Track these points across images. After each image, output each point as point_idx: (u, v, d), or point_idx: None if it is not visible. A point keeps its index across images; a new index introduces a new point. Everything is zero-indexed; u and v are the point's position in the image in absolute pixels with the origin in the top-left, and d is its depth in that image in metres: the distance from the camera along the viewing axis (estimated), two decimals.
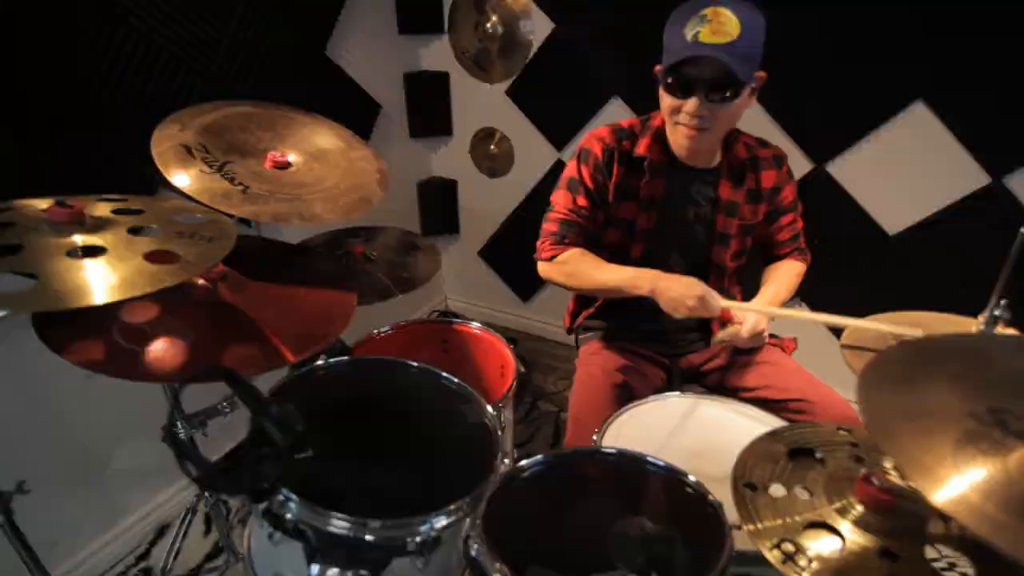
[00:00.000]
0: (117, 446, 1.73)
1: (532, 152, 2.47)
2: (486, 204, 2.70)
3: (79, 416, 1.63)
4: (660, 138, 1.37)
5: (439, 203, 2.74)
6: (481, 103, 2.49)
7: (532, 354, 2.63)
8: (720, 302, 1.26)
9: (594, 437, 1.18)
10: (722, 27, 1.14)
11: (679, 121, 1.26)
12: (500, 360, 1.48)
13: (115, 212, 1.03)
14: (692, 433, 1.22)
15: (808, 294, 2.17)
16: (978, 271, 1.84)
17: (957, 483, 0.51)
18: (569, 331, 1.68)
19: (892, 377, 0.66)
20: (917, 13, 1.68)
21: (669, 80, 1.22)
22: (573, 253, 1.40)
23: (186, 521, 1.51)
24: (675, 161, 1.38)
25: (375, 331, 1.47)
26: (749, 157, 1.39)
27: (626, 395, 1.38)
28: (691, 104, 1.21)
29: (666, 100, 1.27)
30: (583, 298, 1.63)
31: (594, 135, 1.40)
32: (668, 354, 1.55)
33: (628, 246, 1.44)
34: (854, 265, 2.05)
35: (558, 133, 2.37)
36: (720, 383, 1.50)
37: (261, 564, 0.87)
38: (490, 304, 2.94)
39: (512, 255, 2.75)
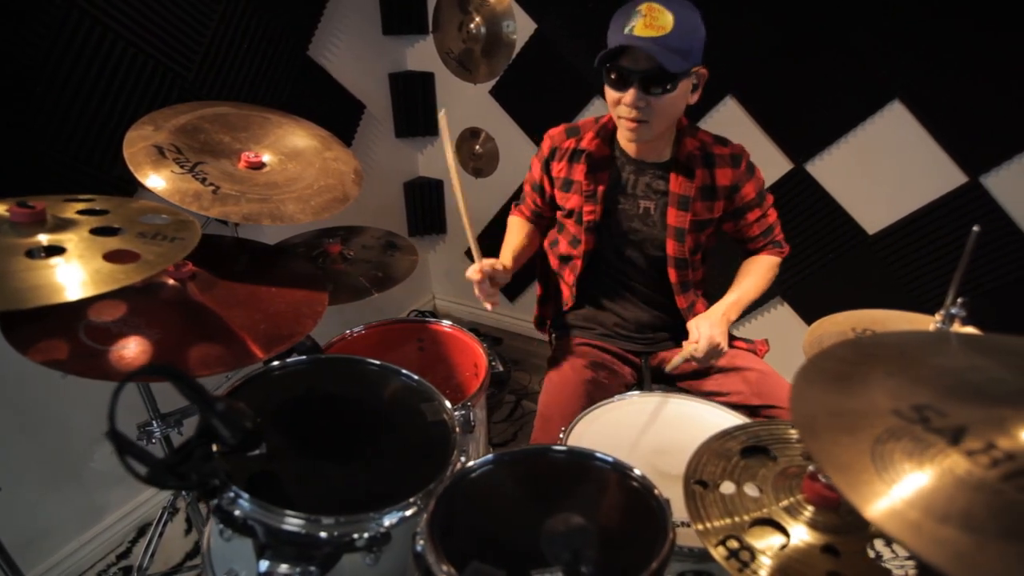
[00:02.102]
0: (97, 445, 1.74)
1: (516, 152, 2.47)
2: (472, 204, 2.69)
3: (59, 415, 1.64)
4: (606, 133, 1.42)
5: (426, 203, 2.75)
6: (466, 103, 2.50)
7: (518, 353, 2.63)
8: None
9: (560, 435, 1.19)
10: (655, 21, 1.19)
11: (620, 114, 1.30)
12: (473, 359, 1.49)
13: (80, 213, 1.04)
14: (658, 431, 1.23)
15: (789, 292, 2.18)
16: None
17: (870, 478, 0.51)
18: (538, 327, 1.73)
19: (828, 375, 0.66)
20: (893, 12, 1.68)
21: (608, 73, 1.27)
22: (513, 219, 1.68)
23: (163, 520, 1.52)
24: (624, 155, 1.41)
25: (348, 331, 1.47)
26: (702, 154, 1.38)
27: (596, 393, 1.39)
28: (628, 96, 1.25)
29: (608, 94, 1.30)
30: (550, 300, 1.69)
31: (549, 133, 1.50)
32: (639, 352, 1.56)
33: (581, 237, 1.48)
34: (835, 264, 2.05)
35: (541, 133, 2.36)
36: (692, 387, 1.51)
37: (217, 560, 0.88)
38: (477, 304, 2.92)
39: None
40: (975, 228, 0.91)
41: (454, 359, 1.53)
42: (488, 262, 1.37)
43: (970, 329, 1.02)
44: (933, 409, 0.57)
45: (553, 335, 1.70)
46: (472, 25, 2.33)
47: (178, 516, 1.87)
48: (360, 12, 2.28)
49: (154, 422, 1.39)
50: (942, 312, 0.98)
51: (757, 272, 1.49)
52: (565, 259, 1.57)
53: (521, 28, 2.24)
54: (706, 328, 1.30)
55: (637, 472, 0.84)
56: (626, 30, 1.20)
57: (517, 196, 2.52)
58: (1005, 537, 0.44)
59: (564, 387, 1.43)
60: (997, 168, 1.71)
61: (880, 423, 0.57)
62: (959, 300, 0.96)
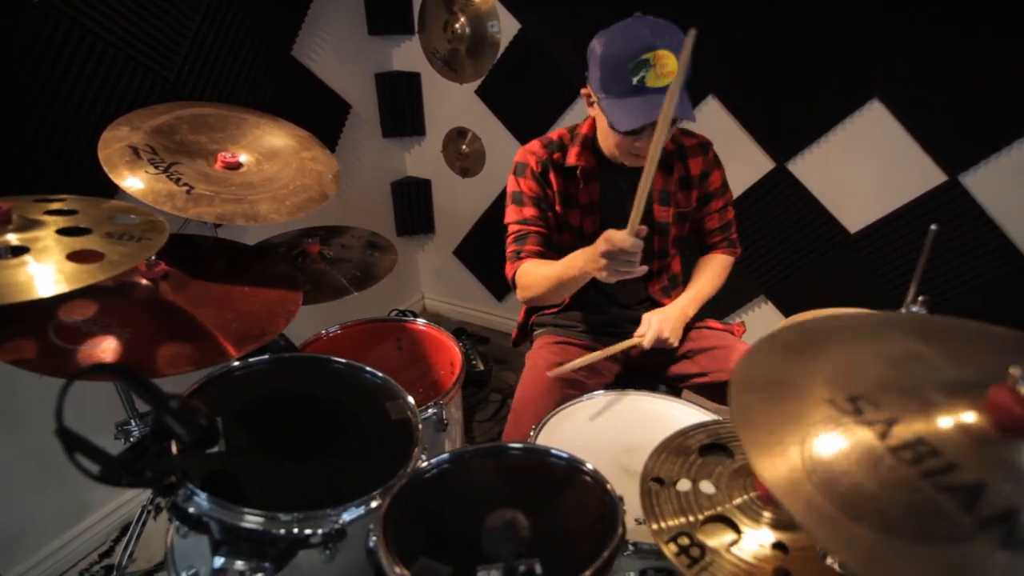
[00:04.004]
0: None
1: (503, 151, 2.48)
2: (460, 203, 2.71)
3: (42, 414, 1.63)
4: (589, 145, 1.41)
5: (413, 203, 2.76)
6: (452, 103, 2.51)
7: (505, 353, 2.64)
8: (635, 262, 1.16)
9: (531, 433, 1.20)
10: (664, 68, 1.18)
11: (630, 152, 1.30)
12: (450, 358, 1.49)
13: (49, 213, 1.05)
14: (628, 429, 1.23)
15: (773, 291, 2.18)
16: (940, 268, 1.86)
17: (797, 474, 0.51)
18: (515, 344, 1.72)
19: (769, 364, 0.66)
20: (873, 13, 1.68)
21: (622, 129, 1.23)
22: (526, 266, 1.42)
23: (143, 519, 1.53)
24: (607, 163, 1.41)
25: (323, 331, 1.48)
26: (676, 147, 1.42)
27: (572, 391, 1.39)
28: (641, 141, 1.26)
29: (613, 137, 1.29)
30: (530, 309, 1.68)
31: (527, 150, 1.44)
32: None
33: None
34: (818, 263, 2.05)
35: (527, 132, 2.37)
36: (672, 371, 1.52)
37: (179, 558, 0.89)
38: (466, 303, 2.95)
39: (486, 254, 2.76)
40: (932, 227, 0.92)
41: (431, 358, 1.54)
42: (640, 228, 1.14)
43: None
44: (867, 400, 0.58)
45: (533, 331, 1.70)
46: (457, 25, 2.34)
47: (161, 515, 1.88)
48: (345, 12, 2.28)
49: (132, 420, 1.39)
50: (903, 309, 0.98)
51: (713, 270, 1.55)
52: None
53: (505, 28, 2.25)
54: (657, 321, 1.38)
55: (589, 467, 0.85)
56: (635, 81, 1.18)
57: (503, 196, 2.55)
58: (915, 539, 0.45)
59: (539, 385, 1.44)
60: (975, 167, 1.71)
61: (815, 414, 0.57)
62: (920, 298, 0.96)
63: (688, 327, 1.53)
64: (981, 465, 0.51)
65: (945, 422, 0.54)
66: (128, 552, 1.48)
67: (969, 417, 0.55)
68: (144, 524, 1.51)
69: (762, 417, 0.57)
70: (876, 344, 0.67)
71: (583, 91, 1.33)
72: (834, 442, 0.54)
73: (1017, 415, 0.53)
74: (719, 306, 2.24)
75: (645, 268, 1.18)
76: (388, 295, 2.84)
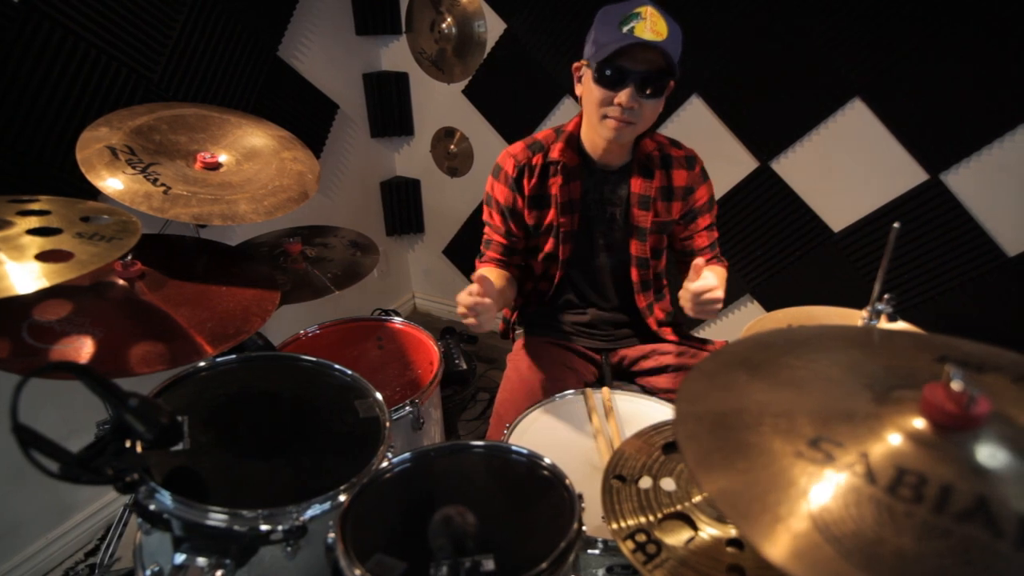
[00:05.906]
0: (66, 442, 1.75)
1: (491, 151, 2.48)
2: (448, 203, 2.72)
3: (27, 413, 1.64)
4: (573, 142, 1.39)
5: (403, 202, 2.76)
6: (440, 103, 2.51)
7: (494, 352, 2.65)
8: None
9: (504, 432, 1.20)
10: (655, 26, 1.19)
11: (608, 114, 1.26)
12: (428, 356, 1.50)
13: (21, 214, 1.05)
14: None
15: (759, 290, 2.18)
16: (921, 267, 1.86)
17: (822, 551, 0.48)
18: (502, 336, 1.72)
19: (717, 383, 0.65)
20: (855, 11, 1.69)
21: (604, 71, 1.23)
22: (477, 273, 1.41)
23: (124, 519, 1.53)
24: (590, 163, 1.40)
25: (302, 331, 1.49)
26: (660, 155, 1.39)
27: (553, 390, 1.39)
28: (623, 95, 1.22)
29: (596, 93, 1.25)
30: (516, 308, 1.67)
31: (508, 152, 1.43)
32: (599, 349, 1.57)
33: (558, 251, 1.46)
34: (803, 262, 2.06)
35: (514, 131, 2.38)
36: (648, 384, 1.52)
37: (147, 555, 0.89)
38: (456, 303, 2.95)
39: (475, 254, 2.76)
40: (895, 225, 0.92)
41: (410, 356, 1.54)
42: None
43: (900, 324, 1.03)
44: (827, 440, 0.56)
45: (515, 331, 1.71)
46: (444, 25, 2.35)
47: None
48: (332, 12, 2.29)
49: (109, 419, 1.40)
50: (869, 308, 0.99)
51: (718, 271, 1.45)
52: (541, 276, 1.55)
53: (491, 28, 2.25)
54: (716, 283, 1.21)
55: (548, 462, 0.86)
56: (624, 30, 1.18)
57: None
58: None
59: (520, 385, 1.44)
60: (956, 166, 1.71)
61: (799, 475, 0.54)
62: (885, 296, 0.97)
63: (665, 339, 1.53)
64: (963, 474, 0.51)
65: (907, 443, 0.54)
66: (110, 551, 1.49)
67: (919, 424, 0.55)
68: (127, 523, 1.51)
69: (746, 498, 0.53)
70: (788, 370, 0.66)
71: (574, 66, 1.32)
72: (841, 504, 0.51)
73: (950, 411, 0.53)
74: None
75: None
76: (379, 295, 2.85)
